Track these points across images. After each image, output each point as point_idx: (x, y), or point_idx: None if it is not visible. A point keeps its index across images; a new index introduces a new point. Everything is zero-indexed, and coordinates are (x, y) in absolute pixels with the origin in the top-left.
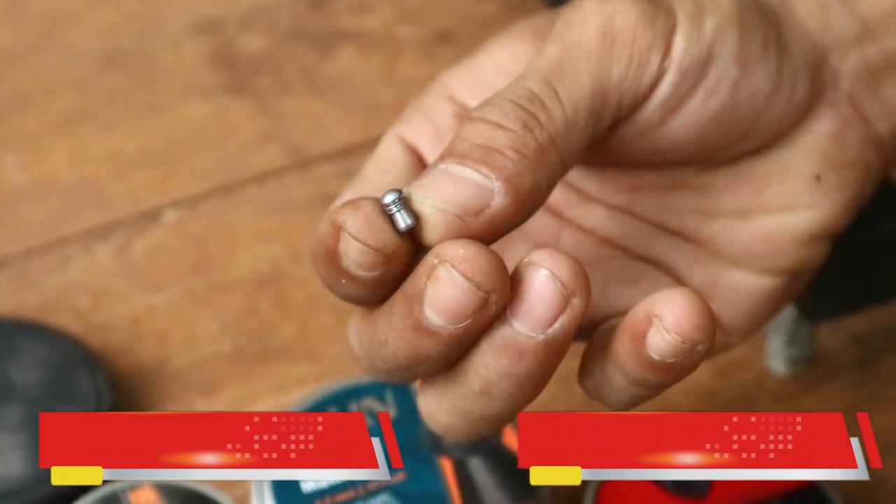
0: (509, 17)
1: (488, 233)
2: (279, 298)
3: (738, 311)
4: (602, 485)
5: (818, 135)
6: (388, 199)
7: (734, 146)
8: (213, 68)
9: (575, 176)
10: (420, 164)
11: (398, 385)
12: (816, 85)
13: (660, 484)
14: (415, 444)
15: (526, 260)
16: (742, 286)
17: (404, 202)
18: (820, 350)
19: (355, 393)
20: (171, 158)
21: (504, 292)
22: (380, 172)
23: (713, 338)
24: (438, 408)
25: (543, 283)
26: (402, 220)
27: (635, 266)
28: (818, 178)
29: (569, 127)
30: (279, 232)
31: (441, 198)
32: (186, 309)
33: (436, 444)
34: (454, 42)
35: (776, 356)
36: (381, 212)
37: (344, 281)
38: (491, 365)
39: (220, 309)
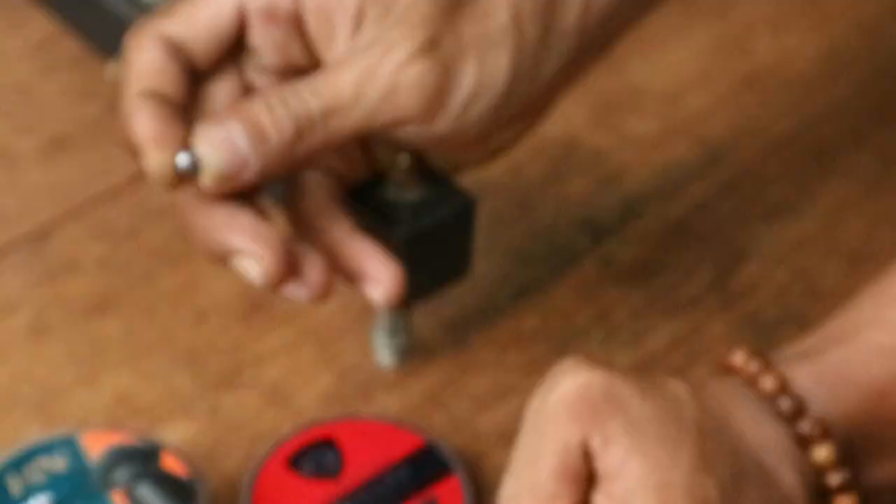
0: (115, 116)
1: None
2: None
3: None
4: (254, 485)
5: None
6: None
7: None
8: None
9: None
10: None
11: (64, 444)
12: None
13: (299, 473)
14: (83, 486)
15: None
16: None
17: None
18: (419, 340)
19: (28, 456)
20: None
21: None
22: None
23: None
24: None
25: None
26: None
27: None
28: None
29: None
30: None
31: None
32: None
33: (104, 481)
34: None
35: (382, 348)
36: None
37: None
38: None
39: None
